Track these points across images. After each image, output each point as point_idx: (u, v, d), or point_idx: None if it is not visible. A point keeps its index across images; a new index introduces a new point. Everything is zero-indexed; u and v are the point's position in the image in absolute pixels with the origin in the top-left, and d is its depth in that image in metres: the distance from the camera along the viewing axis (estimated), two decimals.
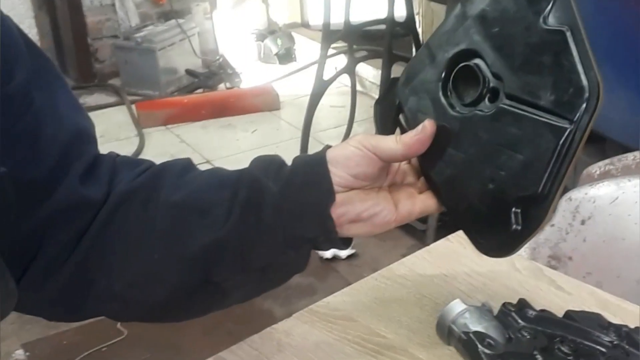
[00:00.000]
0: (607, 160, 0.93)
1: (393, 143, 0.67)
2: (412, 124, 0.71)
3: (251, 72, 3.93)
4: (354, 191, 0.67)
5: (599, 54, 1.00)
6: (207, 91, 3.73)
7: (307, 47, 4.04)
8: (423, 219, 2.19)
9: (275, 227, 0.65)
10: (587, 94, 0.60)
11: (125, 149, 3.00)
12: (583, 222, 0.89)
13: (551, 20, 0.63)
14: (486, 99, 0.67)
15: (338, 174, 0.66)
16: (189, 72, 3.82)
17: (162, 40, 3.69)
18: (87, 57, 3.82)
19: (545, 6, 0.63)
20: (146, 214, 0.66)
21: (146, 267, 0.66)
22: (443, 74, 0.70)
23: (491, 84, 0.67)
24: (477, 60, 0.68)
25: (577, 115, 0.61)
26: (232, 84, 3.76)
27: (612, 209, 0.88)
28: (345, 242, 0.69)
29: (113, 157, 0.70)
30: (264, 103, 3.52)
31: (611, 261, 0.88)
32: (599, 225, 0.89)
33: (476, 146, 0.67)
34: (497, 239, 0.67)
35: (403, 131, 0.70)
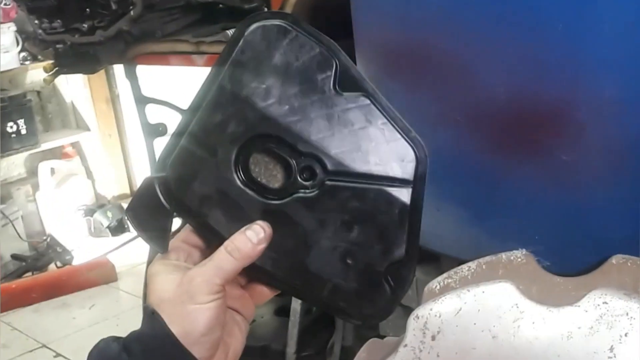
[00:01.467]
0: (445, 275, 0.96)
1: (230, 261, 0.61)
2: (209, 233, 0.64)
3: (83, 247, 3.80)
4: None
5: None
6: (37, 273, 3.55)
7: None
8: None
9: None
10: (415, 154, 0.62)
11: None
12: (433, 338, 0.90)
13: (344, 88, 0.62)
14: (298, 179, 0.64)
15: (197, 350, 0.59)
16: (15, 257, 3.64)
17: None
18: None
19: (329, 77, 0.62)
20: None
21: None
22: (237, 166, 0.64)
23: (302, 164, 0.64)
24: (273, 143, 0.64)
25: (413, 175, 0.62)
26: (63, 262, 3.61)
27: (458, 321, 0.90)
28: None
29: None
30: (99, 276, 3.39)
31: None
32: (449, 338, 0.90)
33: (315, 229, 0.64)
34: (373, 306, 0.66)
35: None
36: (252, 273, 0.66)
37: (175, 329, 0.59)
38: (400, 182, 0.62)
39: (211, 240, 0.65)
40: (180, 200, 0.65)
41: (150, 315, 0.60)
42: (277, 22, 0.63)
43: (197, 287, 0.60)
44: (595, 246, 0.90)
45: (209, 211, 0.65)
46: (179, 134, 0.66)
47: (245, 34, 0.63)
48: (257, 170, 0.65)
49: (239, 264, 0.62)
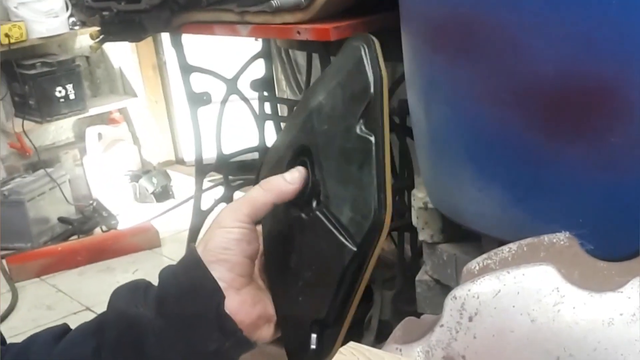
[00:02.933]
0: (484, 255, 0.94)
1: (262, 193, 0.62)
2: None
3: (128, 213, 3.86)
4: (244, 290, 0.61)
5: (461, 153, 1.04)
6: (83, 237, 3.61)
7: (184, 183, 4.03)
8: None
9: (164, 352, 0.58)
10: (370, 222, 0.58)
11: None
12: (471, 319, 0.89)
13: (364, 125, 0.60)
14: (314, 201, 0.63)
15: (219, 270, 0.60)
16: (61, 220, 3.71)
17: (31, 190, 3.58)
18: None
19: (360, 109, 0.60)
20: None
21: None
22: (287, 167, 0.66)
23: (315, 187, 0.63)
24: (306, 157, 0.65)
25: (364, 241, 0.58)
26: (108, 226, 3.67)
27: (496, 303, 0.88)
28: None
29: None
30: (143, 242, 3.44)
31: (503, 354, 0.87)
32: (486, 320, 0.89)
33: (295, 254, 0.64)
34: (300, 358, 0.63)
35: None
36: None
37: (199, 249, 0.62)
38: (352, 242, 0.59)
39: None
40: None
41: (188, 246, 0.63)
42: (356, 42, 0.64)
43: (225, 213, 0.63)
44: None
45: None
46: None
47: (341, 50, 0.66)
48: None
49: (268, 197, 0.62)
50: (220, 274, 0.60)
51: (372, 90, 0.60)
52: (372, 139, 0.59)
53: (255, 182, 0.72)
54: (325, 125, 0.63)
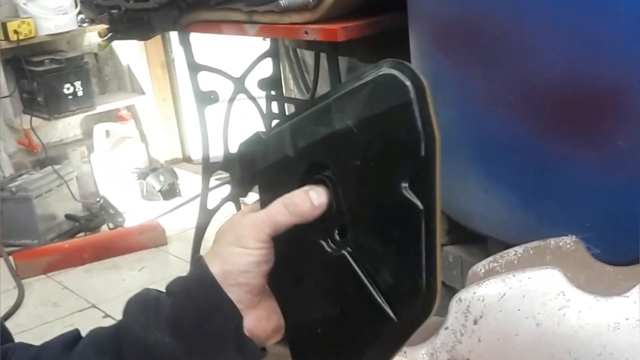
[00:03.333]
0: (490, 258, 0.94)
1: (284, 213, 0.59)
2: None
3: (135, 210, 3.86)
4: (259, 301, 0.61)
5: (467, 155, 1.03)
6: (90, 234, 3.62)
7: (191, 181, 4.03)
8: None
9: None
10: (419, 301, 0.54)
11: (3, 303, 2.85)
12: (475, 322, 0.89)
13: (412, 188, 0.54)
14: (335, 232, 0.60)
15: (237, 292, 0.58)
16: (69, 217, 3.71)
17: (38, 187, 3.59)
18: None
19: (407, 166, 0.55)
20: None
21: None
22: (301, 180, 0.63)
23: (342, 219, 0.60)
24: (328, 176, 0.60)
25: (407, 316, 0.55)
26: (115, 223, 3.68)
27: (502, 306, 0.88)
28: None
29: None
30: (149, 239, 3.44)
31: (508, 358, 0.87)
32: (491, 323, 0.88)
33: (311, 278, 0.62)
34: None
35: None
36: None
37: (214, 268, 0.59)
38: (392, 312, 0.55)
39: None
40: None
41: (197, 260, 0.61)
42: (407, 80, 0.55)
43: (245, 231, 0.60)
44: None
45: (269, 188, 0.66)
46: (289, 117, 0.66)
47: (377, 75, 0.57)
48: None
49: (292, 219, 0.59)
50: (238, 297, 0.59)
51: (423, 151, 0.53)
52: (421, 206, 0.54)
53: (242, 169, 0.71)
54: (358, 161, 0.57)
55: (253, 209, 0.65)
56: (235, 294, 0.59)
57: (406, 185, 0.54)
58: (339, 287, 0.60)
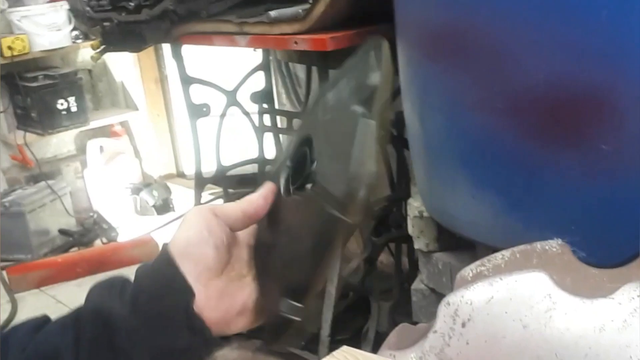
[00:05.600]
0: (478, 262, 0.95)
1: (237, 210, 0.63)
2: None
3: (128, 225, 3.86)
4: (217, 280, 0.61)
5: (454, 161, 1.04)
6: (83, 248, 3.61)
7: (184, 197, 4.03)
8: None
9: (136, 350, 0.58)
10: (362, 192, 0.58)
11: None
12: (464, 325, 0.89)
13: (367, 111, 0.61)
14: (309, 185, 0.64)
15: (186, 265, 0.60)
16: (62, 232, 3.71)
17: (32, 202, 3.58)
18: None
19: (363, 97, 0.62)
20: None
21: None
22: (289, 158, 0.68)
23: (312, 175, 0.64)
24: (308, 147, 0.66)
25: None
26: (108, 238, 3.67)
27: (489, 309, 0.89)
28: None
29: None
30: (143, 254, 3.43)
31: None
32: (479, 326, 0.89)
33: (284, 235, 0.65)
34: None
35: None
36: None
37: (178, 243, 0.62)
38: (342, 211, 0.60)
39: None
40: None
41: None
42: (366, 45, 0.66)
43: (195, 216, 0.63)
44: (633, 238, 0.88)
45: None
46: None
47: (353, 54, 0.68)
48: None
49: (238, 204, 0.64)
50: (187, 269, 0.60)
51: (377, 81, 0.61)
52: (373, 122, 0.59)
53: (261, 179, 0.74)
54: (329, 115, 0.66)
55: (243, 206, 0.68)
56: (184, 266, 0.60)
57: (362, 110, 0.61)
58: (304, 226, 0.63)
